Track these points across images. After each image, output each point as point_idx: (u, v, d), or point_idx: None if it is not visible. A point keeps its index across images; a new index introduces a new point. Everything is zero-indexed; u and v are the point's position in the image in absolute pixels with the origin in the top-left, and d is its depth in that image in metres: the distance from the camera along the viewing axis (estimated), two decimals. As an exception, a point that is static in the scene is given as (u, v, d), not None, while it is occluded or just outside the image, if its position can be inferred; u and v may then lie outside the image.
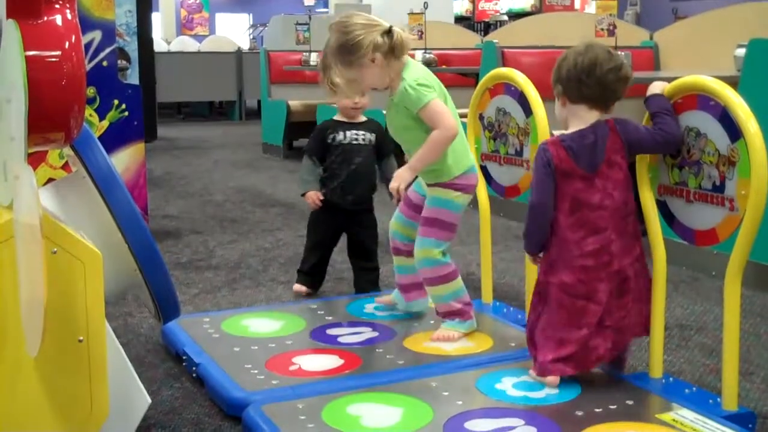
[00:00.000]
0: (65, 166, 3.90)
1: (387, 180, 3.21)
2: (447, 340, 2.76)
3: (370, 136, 3.37)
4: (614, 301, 2.36)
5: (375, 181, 3.42)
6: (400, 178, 2.70)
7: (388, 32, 2.65)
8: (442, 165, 2.73)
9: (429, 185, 2.80)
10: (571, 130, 2.38)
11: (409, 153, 2.75)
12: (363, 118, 3.41)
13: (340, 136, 3.35)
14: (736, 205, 2.20)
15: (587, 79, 2.34)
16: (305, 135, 8.02)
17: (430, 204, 2.78)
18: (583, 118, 2.38)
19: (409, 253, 2.89)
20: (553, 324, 2.38)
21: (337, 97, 2.82)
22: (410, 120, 2.69)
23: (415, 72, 2.69)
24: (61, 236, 1.79)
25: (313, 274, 3.47)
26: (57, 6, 1.70)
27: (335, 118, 3.41)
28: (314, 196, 3.40)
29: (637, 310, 2.39)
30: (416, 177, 2.82)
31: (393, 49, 2.65)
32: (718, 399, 2.28)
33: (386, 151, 3.40)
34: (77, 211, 2.03)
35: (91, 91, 4.19)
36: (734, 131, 2.19)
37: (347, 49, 2.64)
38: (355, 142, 3.35)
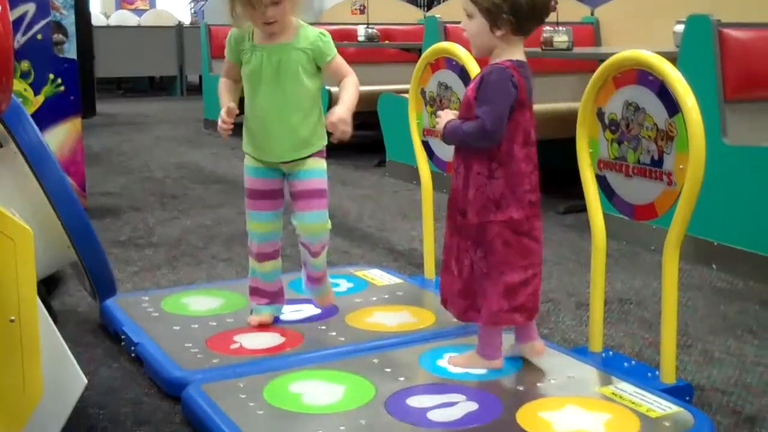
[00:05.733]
0: (-1, 143, 3.80)
1: None
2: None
3: None
4: None
5: None
6: (345, 119, 2.46)
7: None
8: (319, 131, 2.62)
9: (301, 159, 2.60)
10: (506, 58, 2.25)
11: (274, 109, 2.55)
12: None
13: None
14: (674, 179, 2.22)
15: (540, 11, 2.25)
16: (247, 111, 8.01)
17: (312, 176, 2.61)
18: (519, 50, 2.27)
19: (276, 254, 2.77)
20: (499, 267, 2.26)
21: (251, 14, 2.48)
22: (303, 67, 2.54)
23: (315, 29, 2.61)
24: (-10, 214, 1.74)
25: None
26: (-17, -25, 1.64)
27: None
28: None
29: None
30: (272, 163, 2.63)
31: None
32: (657, 372, 2.31)
33: None
34: (7, 188, 1.98)
35: (25, 65, 4.09)
36: (672, 106, 2.20)
37: None
38: None
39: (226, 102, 2.59)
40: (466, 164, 2.28)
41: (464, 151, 2.29)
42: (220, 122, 2.55)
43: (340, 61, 2.59)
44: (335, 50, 2.59)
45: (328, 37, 2.59)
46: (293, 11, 2.54)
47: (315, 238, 2.65)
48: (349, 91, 2.55)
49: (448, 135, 2.30)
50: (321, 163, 2.63)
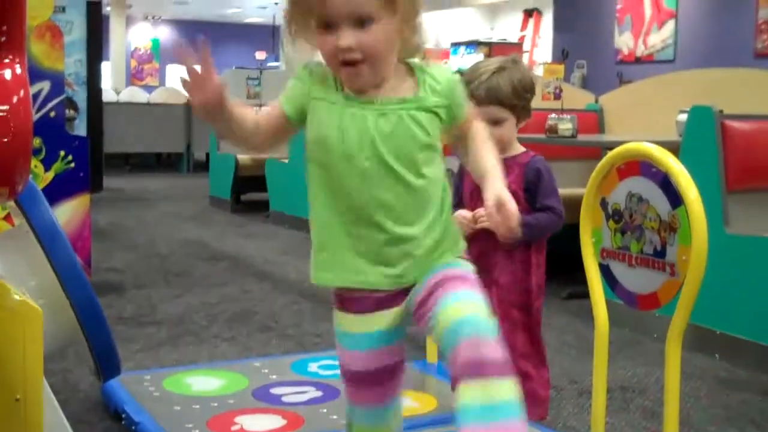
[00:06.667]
0: (7, 218, 3.84)
1: None
2: None
3: None
4: None
5: None
6: (506, 197, 1.53)
7: None
8: (453, 230, 1.67)
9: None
10: (518, 152, 2.34)
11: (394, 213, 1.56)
12: None
13: None
14: (677, 270, 2.24)
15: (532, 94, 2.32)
16: (253, 189, 8.11)
17: (454, 265, 1.60)
18: (516, 139, 2.36)
19: None
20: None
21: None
22: (432, 138, 1.58)
23: (442, 65, 1.67)
24: (0, 292, 1.76)
25: None
26: (6, 60, 1.69)
27: None
28: None
29: None
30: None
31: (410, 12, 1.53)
32: (659, 463, 2.30)
33: None
34: (18, 267, 2.00)
35: (37, 142, 4.15)
36: (675, 198, 2.23)
37: None
38: None
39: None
40: (517, 258, 2.31)
41: (519, 245, 2.29)
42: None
43: (472, 111, 1.69)
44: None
45: (457, 76, 1.65)
46: (403, 43, 1.55)
47: (478, 326, 1.46)
48: (492, 151, 1.66)
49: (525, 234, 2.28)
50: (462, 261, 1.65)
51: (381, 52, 1.49)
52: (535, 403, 2.27)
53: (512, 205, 1.50)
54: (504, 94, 2.24)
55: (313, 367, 3.08)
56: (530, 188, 2.25)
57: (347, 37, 1.45)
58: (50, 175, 4.21)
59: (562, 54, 5.99)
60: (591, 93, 6.45)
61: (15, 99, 1.66)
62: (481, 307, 1.48)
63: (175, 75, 23.95)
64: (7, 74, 1.68)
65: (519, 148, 2.33)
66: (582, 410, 2.87)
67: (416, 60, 1.60)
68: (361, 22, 1.46)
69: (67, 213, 4.23)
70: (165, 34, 24.59)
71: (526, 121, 2.31)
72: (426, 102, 1.56)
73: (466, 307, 1.47)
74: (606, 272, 2.46)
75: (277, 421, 2.58)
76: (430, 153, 1.57)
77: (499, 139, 2.27)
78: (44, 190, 4.15)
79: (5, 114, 1.63)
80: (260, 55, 16.71)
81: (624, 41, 13.46)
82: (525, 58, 14.64)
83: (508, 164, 2.30)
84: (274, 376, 2.98)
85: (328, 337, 3.53)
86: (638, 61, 13.10)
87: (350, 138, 1.53)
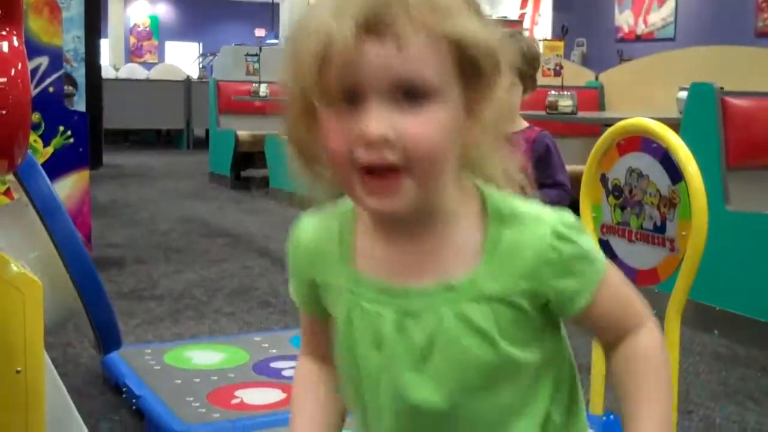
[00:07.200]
0: (7, 192, 3.84)
1: None
2: None
3: None
4: None
5: None
6: None
7: None
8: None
9: None
10: (523, 126, 2.32)
11: None
12: None
13: None
14: (677, 245, 2.24)
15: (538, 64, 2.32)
16: (253, 165, 8.10)
17: None
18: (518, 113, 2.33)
19: None
20: None
21: None
22: (506, 338, 0.93)
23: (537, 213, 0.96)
24: (0, 265, 1.76)
25: None
26: (3, 33, 1.68)
27: None
28: None
29: None
30: None
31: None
32: (657, 437, 2.31)
33: None
34: (18, 240, 2.00)
35: (36, 117, 4.14)
36: (675, 173, 2.23)
37: None
38: None
39: None
40: None
41: None
42: None
43: (614, 293, 0.97)
44: (603, 267, 0.96)
45: (582, 237, 0.95)
46: (466, 150, 0.91)
47: None
48: (656, 399, 0.97)
49: None
50: None
51: (437, 154, 0.84)
52: None
53: None
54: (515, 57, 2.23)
55: (312, 341, 3.09)
56: (538, 165, 2.25)
57: (380, 120, 0.81)
58: (49, 150, 4.20)
59: (561, 30, 5.96)
60: (591, 71, 6.43)
61: (13, 71, 1.65)
62: None
63: (175, 52, 23.90)
64: (4, 46, 1.67)
65: (523, 123, 2.31)
66: (581, 385, 2.88)
67: (493, 192, 0.94)
68: (411, 95, 0.82)
69: (66, 188, 4.23)
70: (164, 11, 24.48)
71: (530, 93, 2.29)
72: (486, 287, 0.90)
73: None
74: (606, 248, 2.45)
75: (277, 395, 2.59)
76: (510, 377, 0.94)
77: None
78: (43, 165, 4.14)
79: (3, 86, 1.62)
80: (259, 32, 16.61)
81: (624, 19, 13.41)
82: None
83: (515, 140, 2.29)
84: (274, 351, 2.99)
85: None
86: (639, 39, 13.07)
87: (363, 359, 0.95)
